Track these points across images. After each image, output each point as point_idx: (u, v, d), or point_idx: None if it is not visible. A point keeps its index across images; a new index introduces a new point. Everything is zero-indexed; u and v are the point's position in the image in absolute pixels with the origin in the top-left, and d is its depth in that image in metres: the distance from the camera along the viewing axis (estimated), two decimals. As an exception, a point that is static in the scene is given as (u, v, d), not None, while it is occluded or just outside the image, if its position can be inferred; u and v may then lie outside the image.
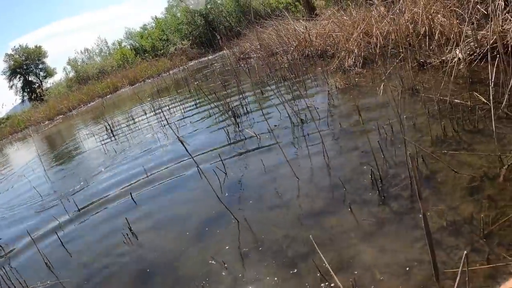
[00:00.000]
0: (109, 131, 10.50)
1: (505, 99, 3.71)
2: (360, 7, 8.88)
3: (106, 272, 3.43)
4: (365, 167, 3.53)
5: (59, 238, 4.32)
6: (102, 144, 9.14)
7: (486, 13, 6.24)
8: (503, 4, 5.76)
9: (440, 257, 2.26)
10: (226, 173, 4.53)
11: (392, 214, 2.80)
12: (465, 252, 1.74)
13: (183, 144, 3.17)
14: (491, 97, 3.45)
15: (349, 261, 2.48)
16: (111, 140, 9.50)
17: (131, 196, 4.83)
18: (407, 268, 2.26)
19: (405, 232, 2.56)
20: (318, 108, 5.59)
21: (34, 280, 3.64)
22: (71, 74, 43.11)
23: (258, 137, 5.34)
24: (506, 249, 2.19)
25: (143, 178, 5.44)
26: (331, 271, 2.16)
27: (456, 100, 4.22)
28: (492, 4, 5.43)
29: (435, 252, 1.59)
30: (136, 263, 3.41)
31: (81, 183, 6.43)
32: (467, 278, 1.86)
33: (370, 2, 8.89)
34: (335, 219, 2.97)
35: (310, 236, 2.64)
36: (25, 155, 14.05)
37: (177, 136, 3.17)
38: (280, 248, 2.86)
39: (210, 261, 3.00)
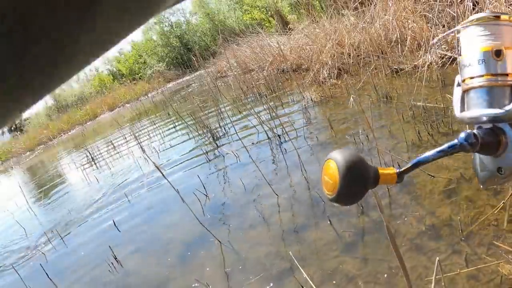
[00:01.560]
0: (90, 159, 10.42)
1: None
2: (331, 18, 8.97)
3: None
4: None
5: (42, 268, 4.23)
6: (84, 173, 9.04)
7: (455, 15, 6.35)
8: (471, 5, 5.87)
9: (421, 261, 2.26)
10: (207, 195, 4.50)
11: (371, 223, 2.80)
12: (437, 258, 1.75)
13: (160, 172, 3.16)
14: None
15: (332, 273, 2.47)
16: (93, 169, 9.41)
17: (114, 223, 4.77)
18: (391, 276, 2.26)
19: (386, 240, 2.56)
20: (294, 122, 5.61)
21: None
22: (50, 103, 42.83)
23: (237, 156, 5.32)
24: (487, 248, 2.20)
25: (124, 204, 5.39)
26: (313, 285, 2.15)
27: (429, 104, 4.27)
28: (460, 6, 5.54)
29: (404, 264, 1.57)
30: (120, 285, 3.37)
31: (64, 213, 6.33)
32: (443, 283, 1.87)
33: (342, 13, 8.99)
34: (316, 233, 2.96)
35: (290, 252, 2.63)
36: (7, 188, 13.83)
37: (154, 163, 3.15)
38: (263, 266, 2.84)
39: (194, 284, 2.96)
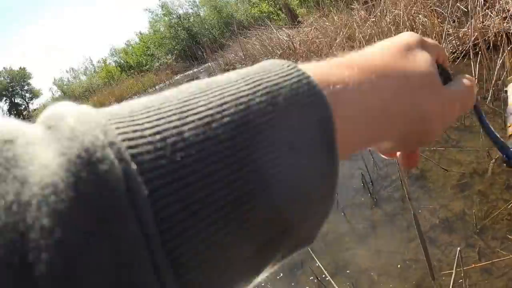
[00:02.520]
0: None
1: (490, 94, 3.75)
2: (341, 12, 8.94)
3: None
4: (356, 171, 3.54)
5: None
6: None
7: (466, 10, 6.32)
8: (482, 0, 5.84)
9: (435, 255, 2.27)
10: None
11: (385, 216, 2.81)
12: (459, 248, 1.75)
13: None
14: (476, 91, 3.47)
15: (345, 265, 2.49)
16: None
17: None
18: (404, 269, 2.27)
19: (399, 233, 2.57)
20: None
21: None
22: (58, 94, 43.01)
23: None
24: (500, 242, 2.20)
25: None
26: (329, 277, 2.16)
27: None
28: (472, 1, 5.51)
29: (428, 251, 1.58)
30: None
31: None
32: (462, 274, 1.87)
33: (351, 7, 8.96)
34: (329, 225, 2.97)
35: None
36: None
37: None
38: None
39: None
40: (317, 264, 2.46)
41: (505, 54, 3.67)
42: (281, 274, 2.65)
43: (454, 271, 1.86)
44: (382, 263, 2.39)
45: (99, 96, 33.87)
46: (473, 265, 2.09)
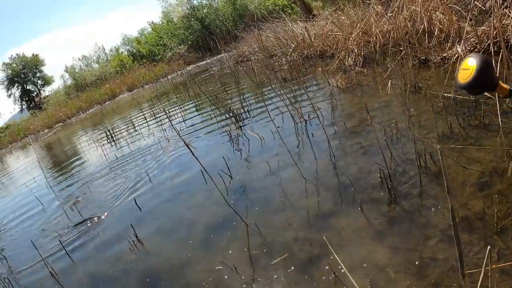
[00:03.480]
0: (110, 137, 10.47)
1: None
2: (357, 7, 8.86)
3: (112, 280, 3.41)
4: (373, 166, 3.50)
5: (63, 247, 4.29)
6: (103, 151, 9.08)
7: (483, 9, 6.24)
8: (500, 0, 5.76)
9: (454, 254, 2.24)
10: (231, 176, 4.50)
11: (403, 212, 2.77)
12: (489, 247, 1.72)
13: (188, 148, 3.15)
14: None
15: (362, 261, 2.45)
16: (112, 146, 9.47)
17: (135, 202, 4.80)
18: (422, 267, 2.24)
19: (417, 230, 2.54)
20: (320, 108, 5.57)
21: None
22: (69, 82, 43.13)
23: (262, 138, 5.31)
24: (522, 243, 2.17)
25: (146, 184, 5.41)
26: (347, 272, 2.14)
27: (459, 96, 4.20)
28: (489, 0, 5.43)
29: (461, 247, 1.55)
30: (142, 270, 3.37)
31: (84, 192, 6.38)
32: (489, 274, 1.84)
33: (367, 1, 8.88)
34: (345, 219, 2.94)
35: (324, 237, 2.62)
36: (25, 164, 13.97)
37: (183, 140, 3.14)
38: (290, 250, 2.83)
39: (219, 267, 2.97)
40: (332, 257, 2.44)
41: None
42: (296, 268, 2.63)
43: (483, 269, 1.82)
44: (399, 260, 2.35)
45: (111, 84, 33.91)
46: (493, 266, 2.06)
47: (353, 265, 2.44)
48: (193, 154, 3.28)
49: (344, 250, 2.61)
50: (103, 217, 4.87)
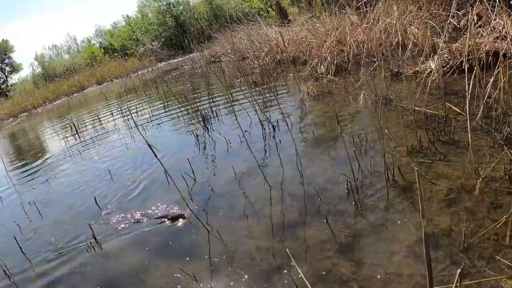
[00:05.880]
0: (74, 131, 10.20)
1: (480, 111, 3.71)
2: (334, 15, 8.88)
3: (67, 282, 3.25)
4: (340, 176, 3.44)
5: (17, 242, 4.09)
6: (67, 146, 8.82)
7: (458, 26, 6.31)
8: (476, 18, 5.83)
9: (419, 270, 2.20)
10: (195, 179, 4.38)
11: (369, 226, 2.72)
12: (459, 270, 1.67)
13: (151, 149, 3.02)
14: (467, 108, 3.43)
15: (326, 274, 2.38)
16: (77, 142, 9.21)
17: (95, 200, 4.63)
18: (386, 282, 2.18)
19: (383, 245, 2.49)
20: (290, 114, 5.51)
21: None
22: (38, 71, 42.06)
23: (229, 142, 5.21)
24: (487, 262, 2.14)
25: (108, 182, 5.24)
26: (309, 285, 2.06)
27: (430, 111, 4.21)
28: (466, 18, 5.48)
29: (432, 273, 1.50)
30: (99, 274, 3.22)
31: (44, 187, 6.15)
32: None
33: (344, 11, 8.91)
34: (310, 230, 2.87)
35: (287, 249, 2.54)
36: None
37: (146, 140, 3.00)
38: (252, 259, 2.74)
39: (177, 274, 2.85)
40: (295, 272, 2.36)
41: (498, 72, 3.62)
42: (257, 278, 2.55)
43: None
44: (363, 275, 2.29)
45: (80, 76, 33.24)
46: (457, 283, 2.02)
47: (316, 278, 2.37)
48: (155, 155, 3.15)
49: (307, 261, 2.54)
50: (63, 215, 4.68)
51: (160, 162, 3.36)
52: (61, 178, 6.30)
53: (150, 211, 3.99)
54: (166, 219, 3.69)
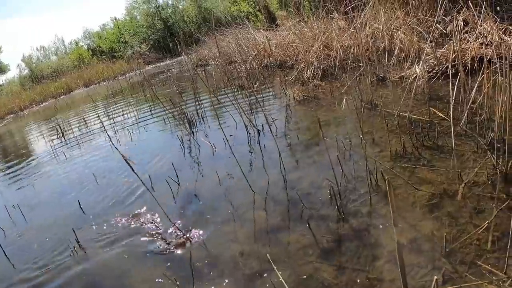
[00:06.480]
0: (60, 134, 10.10)
1: (464, 116, 3.72)
2: (321, 20, 8.90)
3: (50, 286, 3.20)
4: (323, 181, 3.44)
5: (1, 246, 4.02)
6: (53, 148, 8.73)
7: (445, 32, 6.36)
8: (462, 24, 5.88)
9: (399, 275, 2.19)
10: (179, 184, 4.35)
11: (351, 231, 2.71)
12: (435, 277, 1.66)
13: (128, 163, 2.98)
14: (451, 113, 3.44)
15: (307, 278, 2.37)
16: (62, 144, 9.11)
17: (79, 204, 4.57)
18: (367, 287, 2.18)
19: (365, 250, 2.48)
20: (275, 119, 5.50)
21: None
22: (26, 72, 41.67)
23: (213, 146, 5.18)
24: (469, 267, 2.14)
25: (93, 186, 5.18)
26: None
27: (414, 116, 4.22)
28: (452, 24, 5.53)
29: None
30: (82, 278, 3.18)
31: (28, 190, 6.07)
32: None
33: (331, 16, 8.94)
34: (292, 235, 2.86)
35: (267, 255, 2.52)
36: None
37: (122, 155, 2.93)
38: (235, 265, 2.72)
39: (159, 279, 2.82)
40: (277, 277, 2.35)
41: (483, 77, 3.65)
42: (239, 283, 2.52)
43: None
44: (345, 280, 2.28)
45: (67, 79, 32.98)
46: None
47: (298, 283, 2.36)
48: (132, 170, 3.12)
49: (290, 266, 2.52)
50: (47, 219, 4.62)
51: (138, 176, 3.33)
52: (46, 181, 6.23)
53: (133, 217, 3.95)
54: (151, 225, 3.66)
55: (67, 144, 8.83)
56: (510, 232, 2.11)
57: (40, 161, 7.87)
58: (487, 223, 2.38)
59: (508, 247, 2.07)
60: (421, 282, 2.12)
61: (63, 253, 3.64)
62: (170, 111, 7.31)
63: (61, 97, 29.34)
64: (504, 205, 2.52)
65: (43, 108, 25.85)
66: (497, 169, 2.93)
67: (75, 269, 3.32)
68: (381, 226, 2.67)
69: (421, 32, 6.54)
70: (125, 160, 2.86)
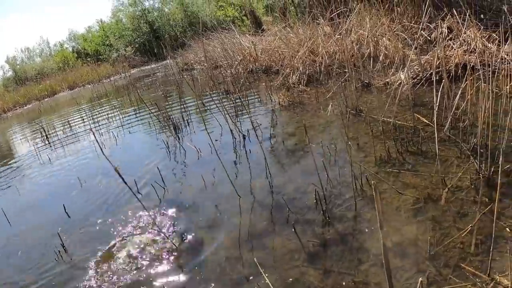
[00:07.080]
0: (45, 137, 10.00)
1: (448, 122, 3.78)
2: (307, 25, 8.95)
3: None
4: (309, 186, 3.46)
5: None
6: (37, 152, 8.64)
7: (429, 39, 6.45)
8: (446, 31, 5.97)
9: (385, 279, 2.21)
10: (165, 188, 4.34)
11: (337, 235, 2.74)
12: (420, 279, 1.69)
13: (119, 175, 2.97)
14: (435, 119, 3.49)
15: (293, 282, 2.39)
16: (46, 147, 9.03)
17: (64, 209, 4.53)
18: (353, 292, 2.20)
19: (351, 254, 2.50)
20: (261, 124, 5.51)
21: None
22: (9, 74, 41.19)
23: (199, 151, 5.17)
24: (453, 270, 2.17)
25: (77, 190, 5.14)
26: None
27: (399, 122, 4.27)
28: (437, 30, 5.61)
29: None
30: (68, 283, 3.15)
31: (12, 194, 6.00)
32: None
33: (317, 21, 9.00)
34: (278, 240, 2.87)
35: (255, 259, 2.53)
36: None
37: (114, 167, 2.92)
38: (222, 269, 2.72)
39: (149, 285, 2.81)
40: (264, 281, 2.36)
41: (466, 84, 3.71)
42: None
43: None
44: (331, 283, 2.30)
45: (51, 81, 32.67)
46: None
47: (284, 286, 2.37)
48: (123, 180, 3.11)
49: (276, 271, 2.54)
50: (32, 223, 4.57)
51: (123, 180, 3.32)
52: (30, 185, 6.16)
53: (118, 221, 3.93)
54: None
55: (51, 147, 8.74)
56: (493, 235, 2.15)
57: (23, 164, 7.78)
58: (470, 226, 2.42)
59: (491, 250, 2.11)
60: (406, 285, 2.15)
61: (47, 256, 3.61)
62: (155, 114, 7.29)
63: (45, 99, 29.03)
64: (487, 209, 2.56)
65: (27, 111, 25.55)
66: (480, 174, 2.98)
67: (60, 274, 3.29)
68: (366, 230, 2.69)
69: (405, 38, 6.61)
70: (116, 169, 2.85)
